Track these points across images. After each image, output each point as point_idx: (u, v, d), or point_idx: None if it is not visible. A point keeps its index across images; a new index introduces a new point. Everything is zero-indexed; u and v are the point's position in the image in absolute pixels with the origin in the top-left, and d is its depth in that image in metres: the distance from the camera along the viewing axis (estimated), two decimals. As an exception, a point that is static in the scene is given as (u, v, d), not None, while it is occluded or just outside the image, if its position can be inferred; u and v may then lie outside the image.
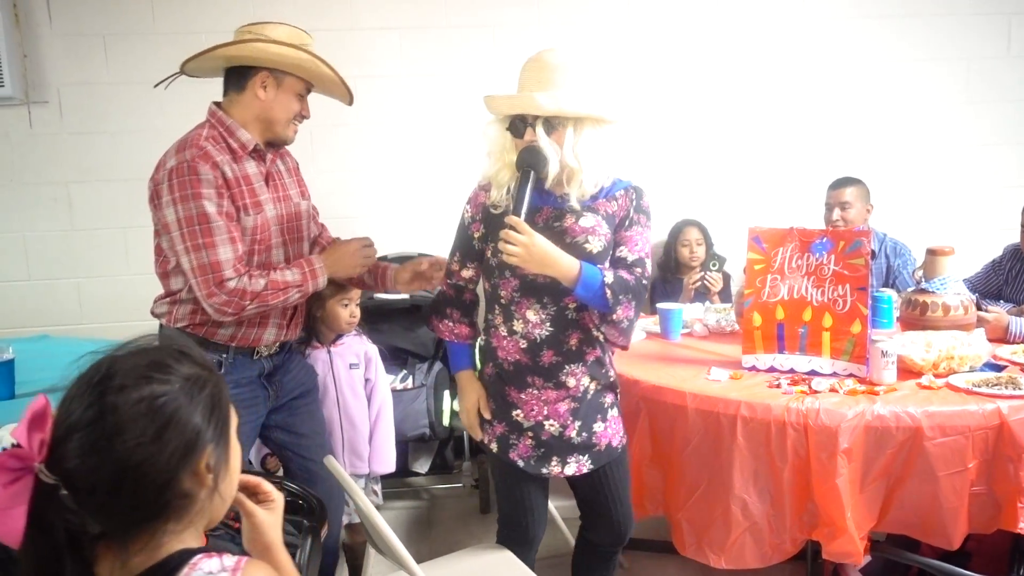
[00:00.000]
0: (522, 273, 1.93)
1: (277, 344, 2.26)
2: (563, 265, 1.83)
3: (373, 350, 2.92)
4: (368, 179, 3.98)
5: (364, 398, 2.83)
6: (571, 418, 2.01)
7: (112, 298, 3.94)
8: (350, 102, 2.33)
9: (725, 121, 4.10)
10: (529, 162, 1.85)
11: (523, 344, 1.97)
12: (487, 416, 2.08)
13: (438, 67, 3.97)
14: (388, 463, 2.91)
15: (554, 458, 2.02)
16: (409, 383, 3.44)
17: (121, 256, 3.93)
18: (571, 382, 1.99)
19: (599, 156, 1.90)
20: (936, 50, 4.12)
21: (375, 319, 3.38)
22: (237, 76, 2.15)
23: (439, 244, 3.93)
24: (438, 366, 3.54)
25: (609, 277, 1.86)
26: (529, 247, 1.79)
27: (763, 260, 2.44)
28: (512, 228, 1.80)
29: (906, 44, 4.11)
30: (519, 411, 2.01)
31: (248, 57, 2.09)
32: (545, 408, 2.00)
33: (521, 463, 2.02)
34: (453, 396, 3.48)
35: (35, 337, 3.45)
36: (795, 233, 2.42)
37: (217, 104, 2.17)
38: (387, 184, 3.99)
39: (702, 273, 3.63)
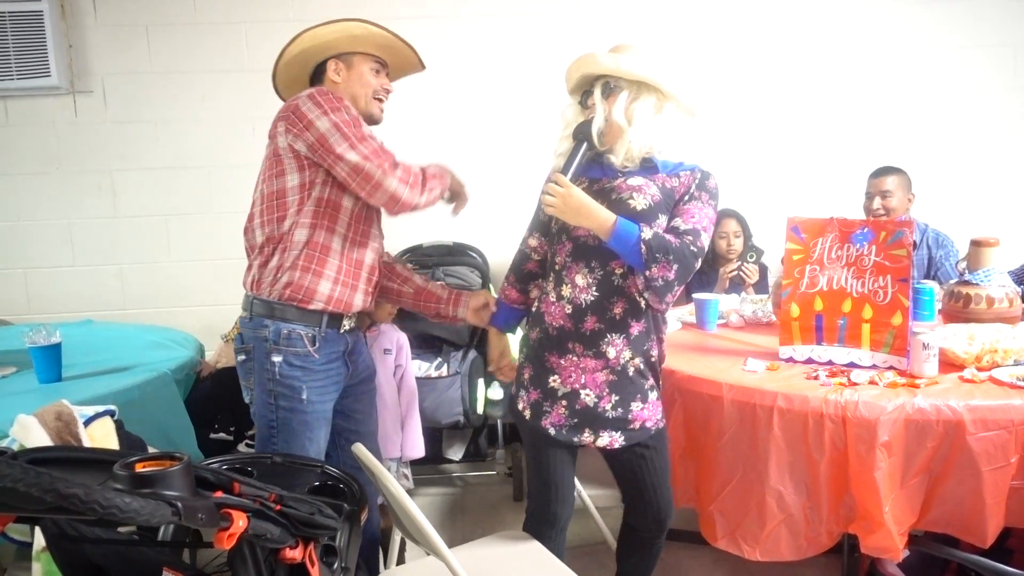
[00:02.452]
0: (575, 235, 2.01)
1: (355, 318, 2.28)
2: (598, 216, 1.90)
3: (403, 338, 2.97)
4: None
5: (395, 384, 2.87)
6: (607, 390, 2.02)
7: (154, 284, 4.02)
8: (423, 67, 2.41)
9: (764, 110, 4.07)
10: (584, 132, 1.98)
11: (568, 309, 2.01)
12: (501, 377, 2.26)
13: (475, 56, 3.97)
14: (419, 448, 2.95)
15: (587, 429, 2.03)
16: (444, 371, 3.47)
17: (163, 243, 4.00)
18: (611, 352, 2.00)
19: (651, 122, 1.99)
20: (981, 36, 4.04)
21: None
22: (316, 76, 2.29)
23: (474, 233, 3.97)
24: (472, 354, 3.55)
25: (647, 234, 1.88)
26: (565, 197, 1.89)
27: (802, 250, 2.42)
28: (555, 184, 1.91)
29: (949, 30, 4.04)
30: (556, 377, 2.04)
31: (308, 50, 2.22)
32: (583, 376, 2.02)
33: (552, 431, 2.04)
34: (487, 384, 3.50)
35: (80, 322, 3.53)
36: (835, 223, 2.39)
37: None
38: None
39: (738, 264, 3.60)
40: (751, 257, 3.62)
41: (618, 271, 1.99)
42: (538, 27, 3.96)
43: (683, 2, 3.98)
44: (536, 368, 2.08)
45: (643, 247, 1.87)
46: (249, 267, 2.18)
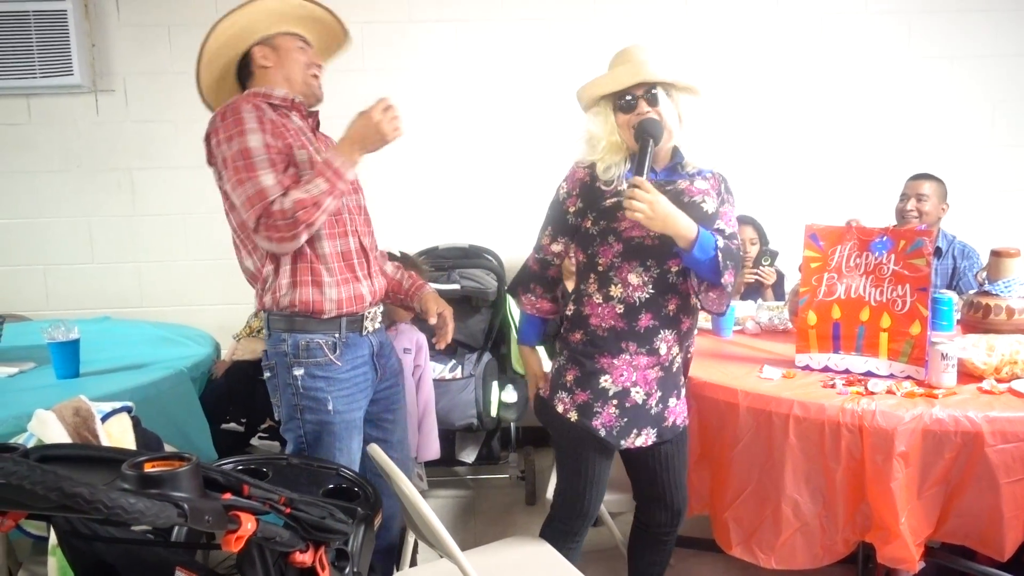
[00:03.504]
0: (627, 236, 1.98)
1: (378, 317, 2.24)
2: (684, 225, 1.88)
3: (423, 338, 2.97)
4: (421, 170, 4.01)
5: (413, 384, 2.86)
6: (656, 387, 2.04)
7: (171, 283, 4.05)
8: (348, 36, 2.31)
9: (784, 117, 4.04)
10: (649, 131, 1.93)
11: (620, 309, 2.00)
12: (543, 393, 2.13)
13: (490, 60, 3.97)
14: (434, 450, 2.95)
15: (634, 429, 2.04)
16: (458, 373, 3.46)
17: (181, 242, 4.03)
18: (663, 349, 2.02)
19: (696, 124, 2.03)
20: (1000, 46, 4.00)
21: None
22: (244, 72, 2.19)
23: (490, 235, 3.97)
24: (487, 357, 3.55)
25: (720, 242, 1.93)
26: (654, 204, 1.85)
27: (820, 258, 2.40)
28: (637, 188, 1.86)
29: (968, 39, 4.00)
30: (607, 376, 2.02)
31: (227, 42, 2.14)
32: (634, 374, 2.02)
33: (603, 432, 2.02)
34: (502, 387, 3.50)
35: (97, 319, 3.55)
36: (854, 231, 2.37)
37: None
38: (440, 176, 4.01)
39: (756, 270, 3.57)
40: (766, 260, 3.58)
41: (674, 269, 2.00)
42: (553, 32, 3.95)
43: (700, 8, 3.96)
44: (582, 370, 2.05)
45: (720, 256, 1.90)
46: (257, 293, 2.13)
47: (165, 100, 3.92)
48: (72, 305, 3.97)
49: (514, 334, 3.52)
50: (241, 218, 1.99)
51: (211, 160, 2.07)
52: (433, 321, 2.33)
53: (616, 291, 2.01)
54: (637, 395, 2.03)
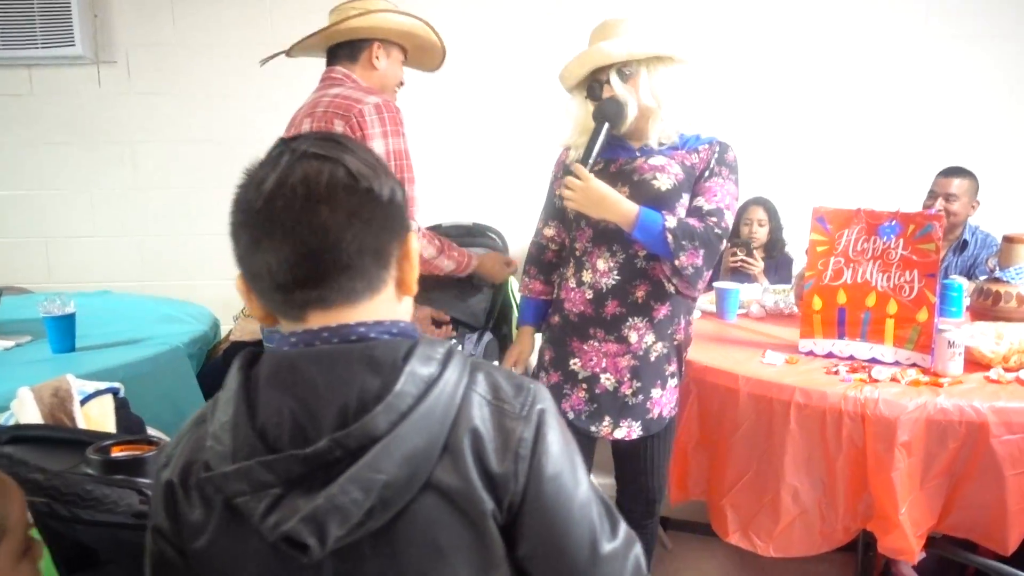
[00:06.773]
0: (594, 220, 1.95)
1: None
2: (621, 208, 1.84)
3: (420, 313, 2.92)
4: (426, 148, 3.94)
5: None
6: (629, 375, 1.99)
7: (172, 257, 4.03)
8: (437, 68, 2.44)
9: (797, 96, 3.97)
10: (605, 113, 1.88)
11: (589, 295, 1.98)
12: (518, 369, 2.13)
13: (495, 37, 3.91)
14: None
15: (606, 417, 2.00)
16: (459, 353, 3.43)
17: (183, 216, 4.00)
18: (633, 337, 1.97)
19: (676, 94, 1.92)
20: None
21: (427, 287, 3.36)
22: (348, 49, 2.22)
23: (493, 214, 3.92)
24: (488, 336, 3.51)
25: (671, 222, 1.84)
26: (585, 190, 1.83)
27: (826, 242, 2.34)
28: (573, 175, 1.85)
29: (995, 20, 3.91)
30: (576, 360, 2.02)
31: (365, 29, 2.17)
32: (604, 360, 1.99)
33: (571, 415, 2.00)
34: (502, 368, 3.47)
35: (97, 292, 3.53)
36: (862, 215, 2.31)
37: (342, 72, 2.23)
38: (445, 154, 3.96)
39: (740, 259, 3.46)
40: (742, 250, 3.46)
41: (641, 254, 1.95)
42: (557, 9, 3.88)
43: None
44: (557, 350, 2.06)
45: (669, 236, 1.82)
46: None
47: (168, 73, 3.89)
48: (73, 278, 3.96)
49: (515, 314, 3.49)
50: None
51: (354, 130, 2.06)
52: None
53: (587, 276, 1.99)
54: (607, 382, 1.99)
